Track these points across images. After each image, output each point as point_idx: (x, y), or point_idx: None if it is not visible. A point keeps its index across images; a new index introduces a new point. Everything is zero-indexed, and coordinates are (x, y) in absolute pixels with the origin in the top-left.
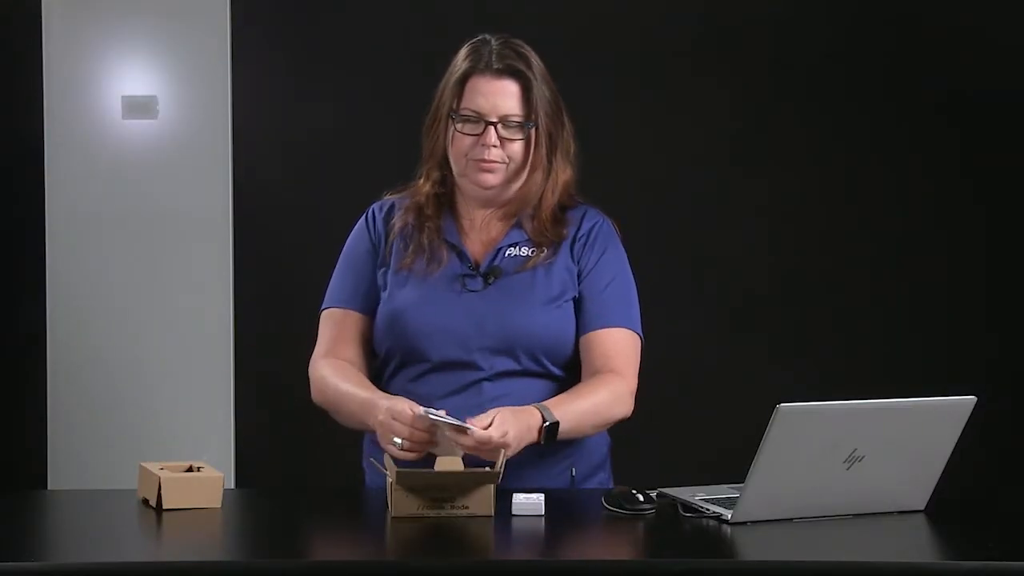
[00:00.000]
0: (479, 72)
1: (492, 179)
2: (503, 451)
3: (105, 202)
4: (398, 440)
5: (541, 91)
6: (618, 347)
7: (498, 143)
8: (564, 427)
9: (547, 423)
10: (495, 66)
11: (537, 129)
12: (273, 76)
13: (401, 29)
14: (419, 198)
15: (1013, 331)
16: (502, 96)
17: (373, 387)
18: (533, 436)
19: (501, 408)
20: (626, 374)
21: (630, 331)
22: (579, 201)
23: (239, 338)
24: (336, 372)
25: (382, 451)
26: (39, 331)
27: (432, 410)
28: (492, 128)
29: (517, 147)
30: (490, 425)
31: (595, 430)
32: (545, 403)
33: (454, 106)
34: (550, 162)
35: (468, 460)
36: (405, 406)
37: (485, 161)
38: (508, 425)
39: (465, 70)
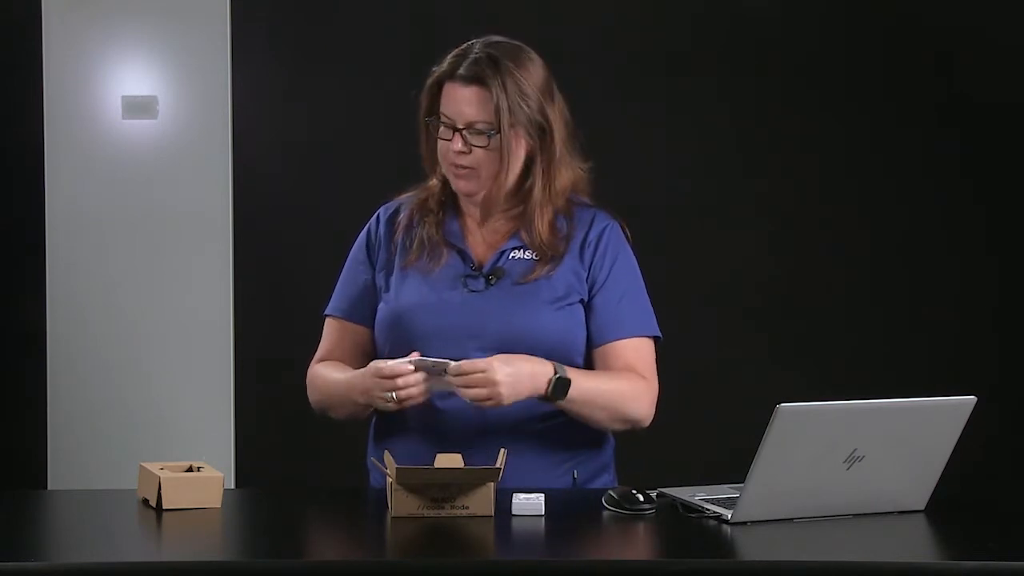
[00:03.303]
0: (449, 78)
1: (466, 185)
2: (503, 451)
3: (105, 202)
4: (391, 395)
5: (513, 101)
6: (638, 356)
7: (467, 149)
8: (576, 393)
9: (558, 375)
10: (460, 73)
11: (502, 138)
12: (273, 76)
13: (401, 29)
14: (424, 194)
15: (1014, 331)
16: (466, 104)
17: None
18: (538, 384)
19: (501, 355)
20: (650, 381)
21: (648, 339)
22: (589, 203)
23: (239, 338)
24: (326, 366)
25: (383, 450)
26: (39, 331)
27: (409, 358)
28: (459, 135)
29: (483, 153)
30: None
31: (606, 416)
32: (567, 367)
33: (431, 110)
34: (536, 172)
35: (468, 460)
36: (381, 363)
37: (456, 166)
38: (499, 362)
39: (438, 75)
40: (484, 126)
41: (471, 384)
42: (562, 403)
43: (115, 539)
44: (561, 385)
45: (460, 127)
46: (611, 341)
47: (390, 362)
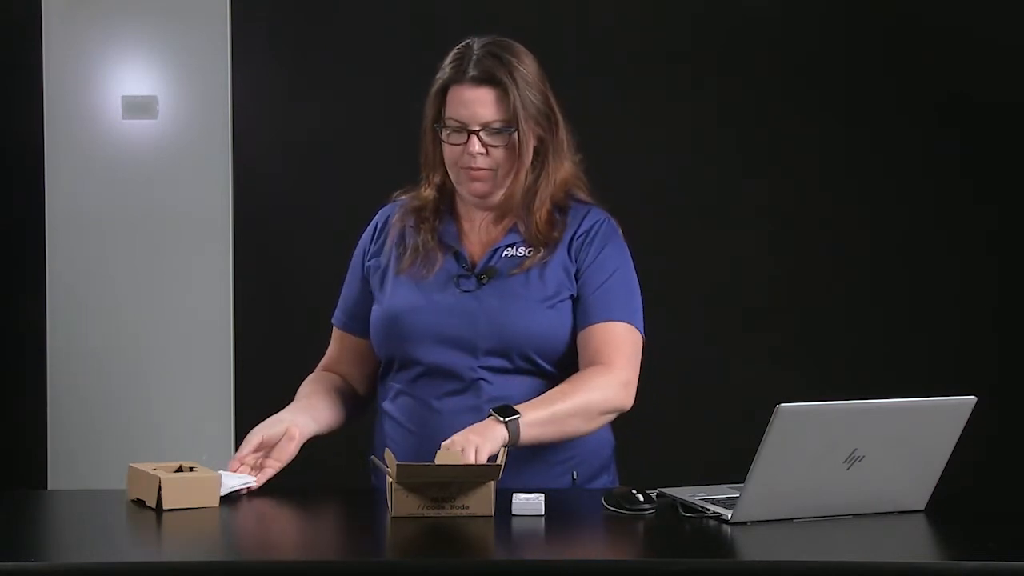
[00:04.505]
0: (457, 82)
1: (482, 187)
2: (503, 449)
3: (105, 202)
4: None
5: (524, 95)
6: (611, 339)
7: (484, 150)
8: (534, 417)
9: (505, 419)
10: (471, 74)
11: (519, 134)
12: (273, 76)
13: (401, 29)
14: (417, 202)
15: (1014, 331)
16: (481, 105)
17: (308, 402)
18: (487, 422)
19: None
20: (616, 364)
21: (628, 325)
22: (584, 200)
23: (239, 338)
24: (308, 382)
25: (384, 451)
26: (39, 331)
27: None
28: (475, 137)
29: (501, 153)
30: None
31: (587, 425)
32: (515, 406)
33: (439, 116)
34: (543, 163)
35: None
36: (248, 445)
37: (473, 169)
38: (449, 440)
39: (444, 80)
40: (501, 124)
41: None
42: (531, 432)
43: (115, 539)
44: (503, 410)
45: (475, 129)
46: (589, 325)
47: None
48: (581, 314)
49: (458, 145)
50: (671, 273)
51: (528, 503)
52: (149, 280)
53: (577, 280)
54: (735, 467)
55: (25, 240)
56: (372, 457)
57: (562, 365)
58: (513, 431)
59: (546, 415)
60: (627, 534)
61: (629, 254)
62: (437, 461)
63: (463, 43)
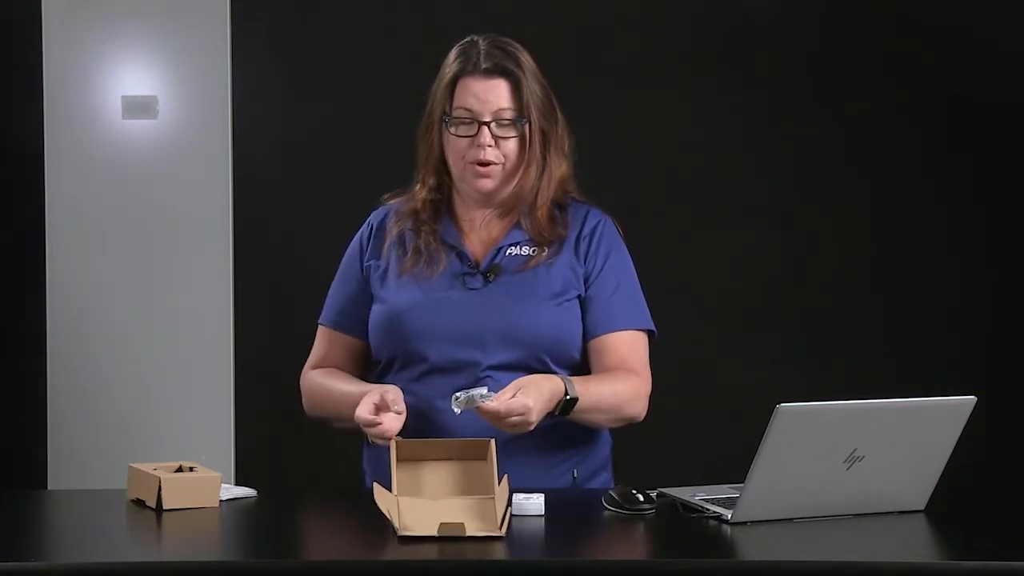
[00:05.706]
0: (468, 74)
1: (489, 184)
2: (508, 512)
3: (105, 202)
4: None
5: (532, 88)
6: (632, 349)
7: (493, 143)
8: (582, 405)
9: (568, 396)
10: (483, 66)
11: (530, 125)
12: (273, 76)
13: (401, 29)
14: (414, 204)
15: (1013, 331)
16: (493, 95)
17: (364, 383)
18: (551, 406)
19: (524, 380)
20: (644, 376)
21: (641, 332)
22: (580, 200)
23: (239, 339)
24: (326, 375)
25: (379, 452)
26: (39, 331)
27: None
28: (486, 128)
29: (512, 145)
30: (512, 397)
31: (605, 419)
32: (571, 378)
33: (446, 109)
34: (544, 158)
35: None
36: (366, 413)
37: (482, 163)
38: (533, 394)
39: (455, 72)
40: (513, 114)
41: (513, 422)
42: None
43: (115, 539)
44: (569, 404)
45: (487, 120)
46: (604, 334)
47: (382, 405)
48: (595, 321)
49: (466, 137)
50: (671, 273)
51: (528, 503)
52: (149, 280)
53: (585, 282)
54: (735, 467)
55: (25, 240)
56: (376, 483)
57: (570, 367)
58: (560, 413)
59: (588, 405)
60: (627, 534)
61: (629, 254)
62: (440, 530)
63: (465, 39)
